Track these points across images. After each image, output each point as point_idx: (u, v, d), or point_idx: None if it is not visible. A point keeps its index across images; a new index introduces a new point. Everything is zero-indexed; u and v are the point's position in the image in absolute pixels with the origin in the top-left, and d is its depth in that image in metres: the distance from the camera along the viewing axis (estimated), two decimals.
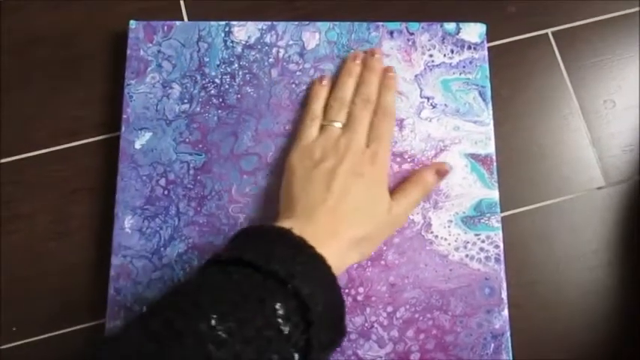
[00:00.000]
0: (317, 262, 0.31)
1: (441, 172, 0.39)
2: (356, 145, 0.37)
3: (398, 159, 0.40)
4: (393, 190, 0.39)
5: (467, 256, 0.39)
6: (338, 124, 0.39)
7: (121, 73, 0.42)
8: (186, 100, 0.41)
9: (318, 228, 0.33)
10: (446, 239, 0.39)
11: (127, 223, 0.39)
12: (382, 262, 0.39)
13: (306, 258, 0.31)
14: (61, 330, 0.40)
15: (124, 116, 0.41)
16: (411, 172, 0.40)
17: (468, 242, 0.39)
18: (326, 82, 0.41)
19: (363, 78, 0.40)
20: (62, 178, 0.42)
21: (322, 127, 0.39)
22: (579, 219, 0.42)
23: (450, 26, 0.42)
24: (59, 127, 0.43)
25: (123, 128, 0.41)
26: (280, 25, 0.42)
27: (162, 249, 0.39)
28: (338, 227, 0.34)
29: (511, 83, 0.44)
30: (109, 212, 0.40)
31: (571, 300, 0.41)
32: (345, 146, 0.37)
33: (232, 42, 0.42)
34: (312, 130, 0.39)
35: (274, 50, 0.42)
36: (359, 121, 0.39)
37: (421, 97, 0.41)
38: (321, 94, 0.41)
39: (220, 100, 0.41)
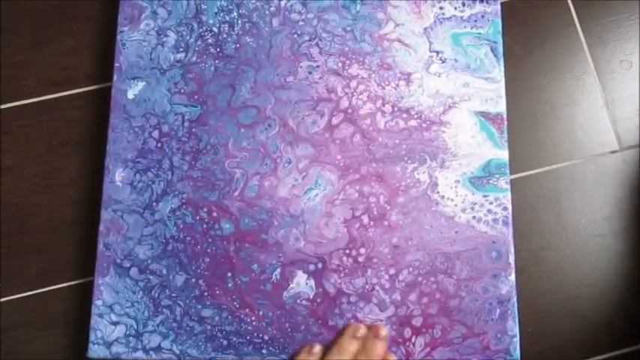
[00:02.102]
0: None
1: None
2: None
3: (404, 115, 0.38)
4: None
5: (474, 218, 0.37)
6: None
7: (113, 22, 0.40)
8: (181, 49, 0.39)
9: None
10: (452, 200, 0.37)
11: (117, 176, 0.37)
12: (385, 223, 0.37)
13: None
14: (47, 287, 0.38)
15: (116, 64, 0.39)
16: None
17: (475, 204, 0.37)
18: (317, 351, 0.35)
19: None
20: (50, 129, 0.40)
21: None
22: (591, 184, 0.40)
23: None
24: (48, 76, 0.41)
25: (115, 77, 0.39)
26: None
27: (154, 204, 0.37)
28: None
29: (524, 40, 0.42)
30: (98, 166, 0.38)
31: (580, 267, 0.39)
32: None
33: None
34: None
35: None
36: None
37: (430, 51, 0.39)
38: None
39: (218, 49, 0.39)
